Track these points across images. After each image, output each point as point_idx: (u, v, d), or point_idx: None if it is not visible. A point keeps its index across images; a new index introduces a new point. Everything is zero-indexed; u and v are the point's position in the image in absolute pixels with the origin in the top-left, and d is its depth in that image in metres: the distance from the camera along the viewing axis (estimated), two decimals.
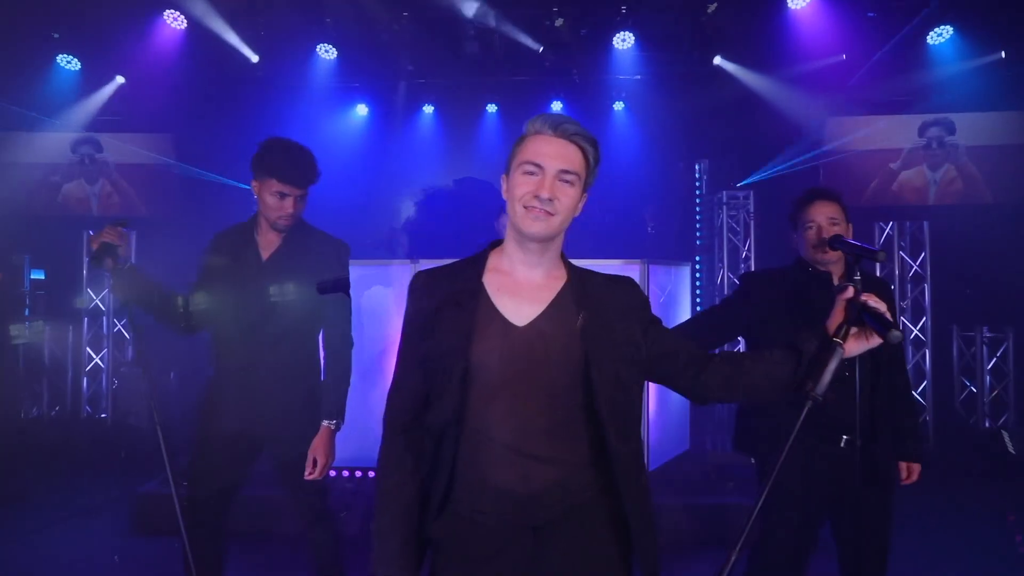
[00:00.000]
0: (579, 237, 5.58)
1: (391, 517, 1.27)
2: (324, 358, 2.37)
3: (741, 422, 2.29)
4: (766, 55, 5.30)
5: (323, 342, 2.37)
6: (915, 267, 5.62)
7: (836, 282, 2.12)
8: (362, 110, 6.29)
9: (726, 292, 6.00)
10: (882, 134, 5.52)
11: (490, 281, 1.30)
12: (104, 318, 6.14)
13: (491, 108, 6.28)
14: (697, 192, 6.43)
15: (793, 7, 4.75)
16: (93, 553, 3.48)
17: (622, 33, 5.01)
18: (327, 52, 5.23)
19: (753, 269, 5.91)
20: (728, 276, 6.03)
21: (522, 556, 1.24)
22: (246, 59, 5.28)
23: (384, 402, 1.36)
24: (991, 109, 5.39)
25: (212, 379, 2.27)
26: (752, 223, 5.93)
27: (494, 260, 1.34)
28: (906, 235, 5.69)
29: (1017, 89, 5.25)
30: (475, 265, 1.33)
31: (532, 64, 5.66)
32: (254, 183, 2.22)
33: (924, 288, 5.60)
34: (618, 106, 6.21)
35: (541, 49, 4.93)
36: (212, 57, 5.31)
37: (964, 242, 5.55)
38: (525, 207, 1.23)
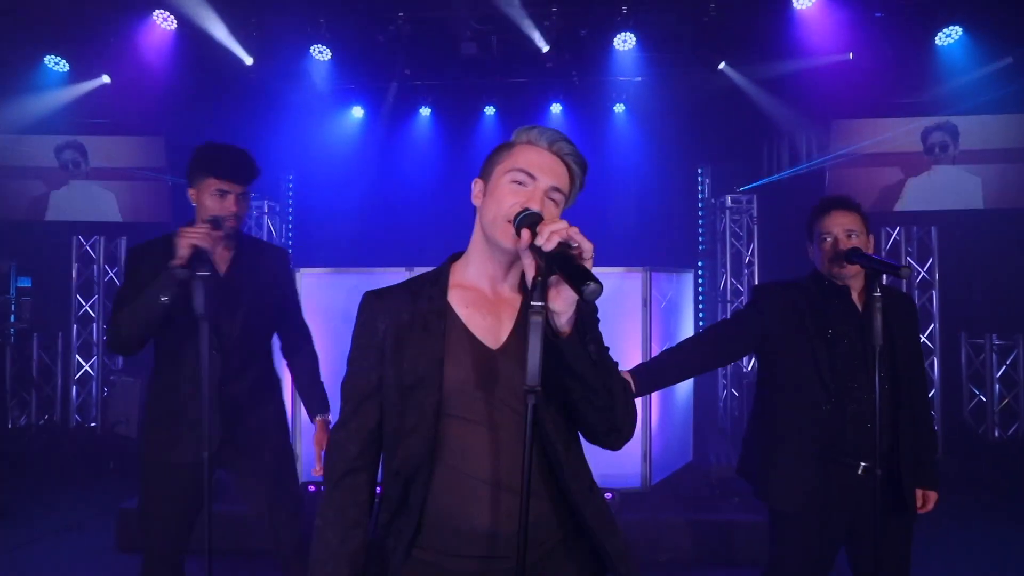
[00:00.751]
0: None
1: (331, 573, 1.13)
2: (290, 362, 2.34)
3: (745, 447, 2.19)
4: (770, 56, 5.18)
5: (281, 346, 2.32)
6: (923, 273, 5.51)
7: (856, 296, 1.99)
8: (357, 112, 6.18)
9: (729, 299, 5.89)
10: (889, 138, 5.41)
11: (456, 299, 1.17)
12: (94, 325, 6.02)
13: (489, 110, 6.16)
14: (700, 196, 6.31)
15: (798, 7, 4.63)
16: (77, 570, 3.37)
17: (623, 34, 4.89)
18: (321, 53, 5.12)
19: (756, 275, 5.80)
20: (731, 282, 5.91)
21: None
22: (238, 60, 5.17)
23: None
24: (1000, 112, 5.28)
25: (167, 402, 2.05)
26: (756, 228, 5.82)
27: (457, 275, 1.21)
28: (913, 241, 5.58)
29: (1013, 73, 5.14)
30: (437, 282, 1.20)
31: (531, 65, 5.54)
32: (191, 191, 2.07)
33: (932, 295, 5.48)
34: (619, 108, 6.09)
35: (547, 49, 4.81)
36: (203, 58, 5.20)
37: (972, 248, 5.44)
38: (509, 220, 1.10)
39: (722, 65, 5.03)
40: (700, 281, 6.11)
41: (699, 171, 6.29)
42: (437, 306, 1.16)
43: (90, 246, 6.02)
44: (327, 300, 3.96)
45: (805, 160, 5.56)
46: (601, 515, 1.19)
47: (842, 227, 1.95)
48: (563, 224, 0.99)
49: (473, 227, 1.21)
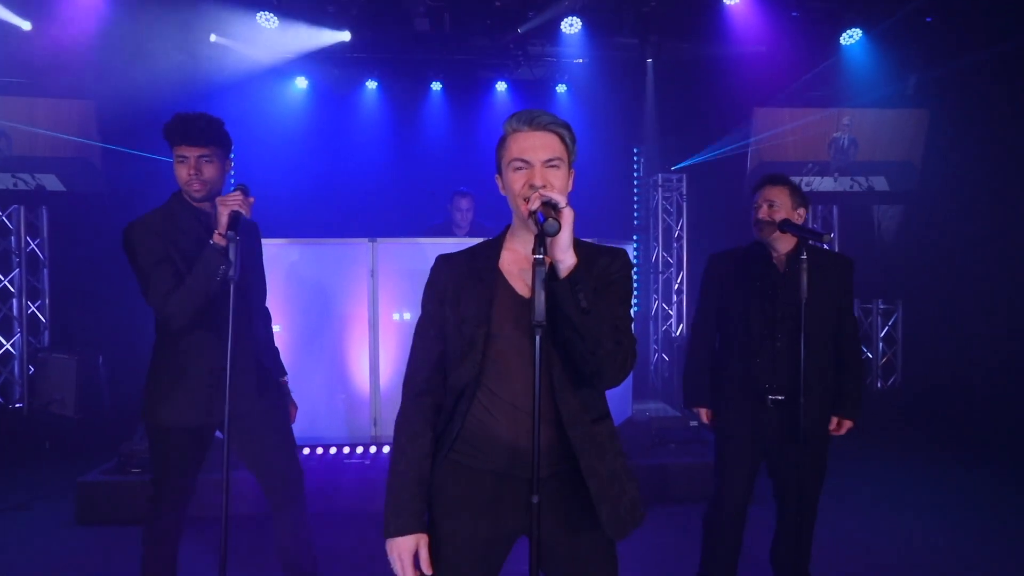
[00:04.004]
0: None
1: (403, 471, 1.41)
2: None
3: (690, 382, 2.54)
4: (701, 46, 5.63)
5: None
6: (824, 246, 6.25)
7: (784, 258, 2.38)
8: (301, 83, 6.08)
9: (660, 269, 6.40)
10: (801, 124, 6.03)
11: (506, 259, 1.47)
12: (14, 300, 5.66)
13: (436, 86, 6.25)
14: (635, 175, 6.75)
15: (728, 3, 5.07)
16: (40, 544, 3.33)
17: (570, 18, 5.14)
18: (268, 21, 5.01)
19: (685, 247, 6.34)
20: (663, 255, 6.42)
21: (517, 505, 1.39)
22: (176, 25, 4.96)
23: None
24: (892, 107, 6.02)
25: (182, 367, 2.10)
26: (685, 204, 6.34)
27: (508, 241, 1.50)
28: (818, 218, 6.33)
29: (916, 89, 5.93)
30: (492, 247, 1.50)
31: (479, 43, 5.69)
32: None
33: None
34: (561, 88, 6.36)
35: (521, 30, 4.99)
36: (139, 21, 4.94)
37: (865, 224, 6.26)
38: (525, 199, 1.36)
39: (649, 61, 5.43)
40: (635, 254, 6.58)
41: (635, 151, 6.70)
42: (490, 264, 1.46)
43: (7, 216, 5.62)
44: (289, 269, 4.03)
45: (729, 143, 6.10)
46: (597, 449, 1.38)
47: (766, 199, 2.36)
48: (547, 192, 1.28)
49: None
